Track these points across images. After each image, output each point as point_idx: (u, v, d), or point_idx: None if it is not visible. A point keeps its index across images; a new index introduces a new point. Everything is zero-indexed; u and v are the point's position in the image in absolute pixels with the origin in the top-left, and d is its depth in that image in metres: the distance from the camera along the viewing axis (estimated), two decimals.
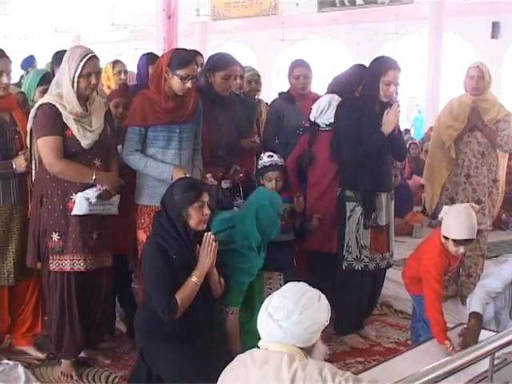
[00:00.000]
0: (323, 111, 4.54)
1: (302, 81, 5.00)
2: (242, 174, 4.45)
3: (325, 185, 4.60)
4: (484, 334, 3.54)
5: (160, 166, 3.92)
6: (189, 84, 3.86)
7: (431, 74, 16.40)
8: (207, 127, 4.23)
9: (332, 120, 4.51)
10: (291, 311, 2.31)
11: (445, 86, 16.29)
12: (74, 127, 3.72)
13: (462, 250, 3.80)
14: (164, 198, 3.55)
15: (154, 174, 3.93)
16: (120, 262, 4.16)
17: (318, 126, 4.62)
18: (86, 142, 3.74)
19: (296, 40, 21.96)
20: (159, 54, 5.77)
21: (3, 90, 3.94)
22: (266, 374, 2.26)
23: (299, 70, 5.01)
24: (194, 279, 3.41)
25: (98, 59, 3.82)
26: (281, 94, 5.19)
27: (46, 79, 4.34)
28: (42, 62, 6.74)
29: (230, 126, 4.44)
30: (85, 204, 3.74)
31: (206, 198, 3.49)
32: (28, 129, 3.85)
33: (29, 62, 6.89)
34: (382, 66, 4.34)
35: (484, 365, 2.84)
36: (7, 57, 3.98)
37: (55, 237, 3.78)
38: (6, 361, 4.07)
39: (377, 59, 4.51)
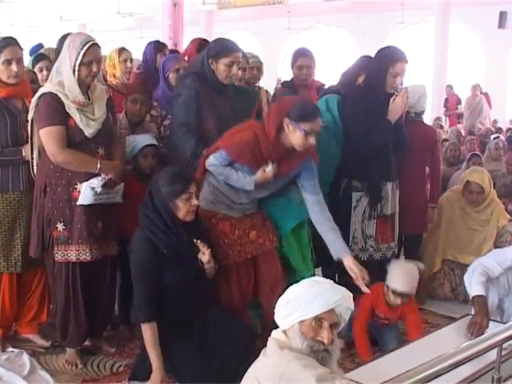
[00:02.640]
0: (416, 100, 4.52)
1: (304, 71, 4.98)
2: None
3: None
4: (491, 325, 3.52)
5: (241, 177, 3.76)
6: (311, 140, 3.64)
7: (438, 64, 16.31)
8: (210, 117, 4.17)
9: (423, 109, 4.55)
10: (294, 291, 2.40)
11: (451, 75, 16.21)
12: (76, 116, 3.68)
13: (398, 301, 3.97)
14: (151, 189, 3.52)
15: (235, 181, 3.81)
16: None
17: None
18: (89, 130, 3.71)
19: (302, 29, 21.88)
20: (165, 41, 5.79)
21: (15, 78, 3.90)
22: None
23: (302, 61, 4.99)
24: None
25: (99, 47, 3.77)
26: (284, 83, 5.17)
27: (39, 58, 4.44)
28: None
29: (231, 114, 4.36)
30: (90, 193, 3.72)
31: (193, 188, 3.48)
32: (29, 118, 3.81)
33: (37, 50, 6.88)
34: (390, 58, 4.31)
35: (491, 356, 2.82)
36: (18, 44, 3.94)
37: (60, 227, 3.76)
38: (10, 349, 4.08)
39: (384, 49, 4.47)
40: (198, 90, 4.16)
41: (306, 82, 4.97)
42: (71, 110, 3.68)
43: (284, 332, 2.44)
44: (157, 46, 5.10)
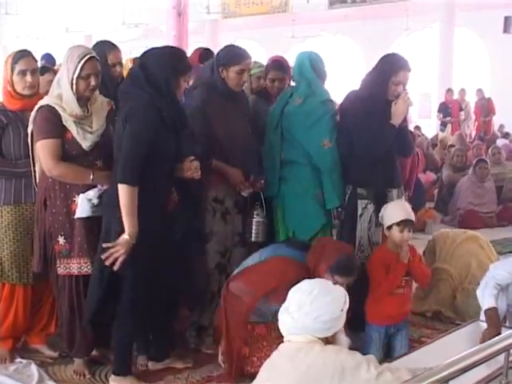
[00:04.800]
0: None
1: (277, 84, 4.78)
2: (263, 181, 4.33)
3: None
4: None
5: None
6: None
7: (443, 69, 16.34)
8: (221, 125, 4.15)
9: None
10: (302, 303, 2.48)
11: (457, 81, 16.22)
12: (73, 129, 3.67)
13: (406, 234, 4.02)
14: (146, 66, 3.64)
15: None
16: None
17: None
18: (86, 143, 3.69)
19: (307, 37, 21.91)
20: None
21: (29, 89, 3.93)
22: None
23: (274, 74, 4.79)
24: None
25: (97, 60, 3.77)
26: (257, 93, 5.05)
27: (44, 71, 4.42)
28: (56, 62, 6.76)
29: (245, 123, 4.35)
30: (87, 206, 3.70)
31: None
32: (29, 131, 3.81)
33: (47, 59, 6.95)
34: (392, 66, 4.30)
35: (499, 361, 2.81)
36: (32, 56, 3.99)
37: (61, 240, 3.76)
38: (19, 359, 4.08)
39: (387, 57, 4.46)
40: (207, 100, 4.15)
41: (278, 94, 4.73)
42: (68, 122, 3.67)
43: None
44: None
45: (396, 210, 4.09)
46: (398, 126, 4.28)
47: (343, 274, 3.70)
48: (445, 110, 14.55)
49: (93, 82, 3.70)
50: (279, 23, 20.62)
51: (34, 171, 3.87)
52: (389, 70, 4.28)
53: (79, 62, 3.64)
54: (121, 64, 4.65)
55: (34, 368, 3.96)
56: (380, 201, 4.31)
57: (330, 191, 4.35)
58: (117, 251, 3.47)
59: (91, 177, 3.69)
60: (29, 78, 3.90)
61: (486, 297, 3.84)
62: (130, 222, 3.48)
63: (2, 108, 3.98)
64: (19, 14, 23.48)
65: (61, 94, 3.70)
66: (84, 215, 3.71)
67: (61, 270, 3.78)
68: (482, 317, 4.04)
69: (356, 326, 4.57)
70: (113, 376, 3.83)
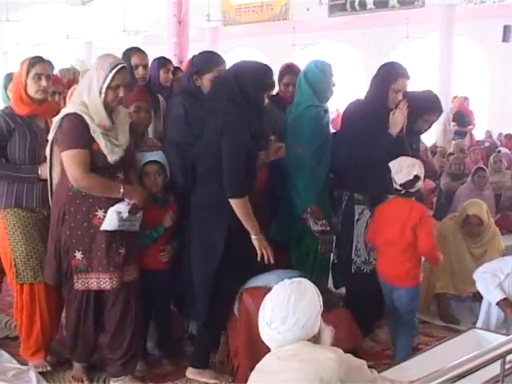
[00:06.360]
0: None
1: (290, 89, 4.81)
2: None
3: None
4: (495, 337, 3.52)
5: None
6: None
7: (442, 78, 16.37)
8: (199, 130, 3.97)
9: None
10: (284, 317, 2.38)
11: (456, 89, 16.24)
12: (101, 141, 3.56)
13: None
14: (238, 79, 3.74)
15: None
16: (152, 278, 3.99)
17: None
18: (112, 157, 3.60)
19: (307, 45, 21.99)
20: (170, 59, 5.86)
21: (42, 93, 3.91)
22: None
23: (288, 78, 4.84)
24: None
25: (127, 70, 3.72)
26: (271, 97, 5.10)
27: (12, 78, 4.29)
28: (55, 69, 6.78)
29: None
30: (116, 219, 3.59)
31: None
32: (50, 138, 3.72)
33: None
34: (391, 74, 4.37)
35: (495, 368, 2.82)
36: (46, 62, 4.00)
37: (78, 255, 3.64)
38: (18, 365, 4.09)
39: (386, 65, 4.53)
40: (188, 108, 4.08)
41: (292, 98, 4.78)
42: (96, 133, 3.56)
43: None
44: (160, 62, 5.16)
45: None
46: (395, 135, 4.32)
47: None
48: (462, 118, 13.98)
49: (121, 94, 3.61)
50: (279, 31, 20.67)
51: (51, 178, 3.81)
52: (388, 78, 4.34)
53: (110, 72, 3.55)
54: (144, 66, 4.66)
55: (32, 374, 3.95)
56: (376, 206, 4.33)
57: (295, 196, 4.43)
58: (263, 251, 3.77)
59: (121, 190, 3.61)
60: (43, 82, 3.88)
61: (491, 289, 3.87)
62: (251, 226, 3.75)
63: (10, 112, 3.95)
64: (20, 21, 23.50)
65: (85, 102, 3.59)
66: (111, 228, 3.60)
67: (78, 286, 3.68)
68: (479, 324, 4.07)
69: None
70: (191, 368, 3.97)
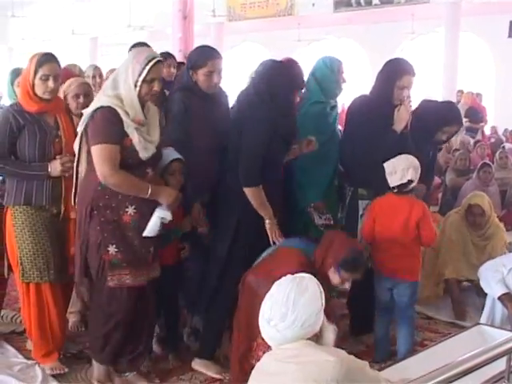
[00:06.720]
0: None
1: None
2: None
3: None
4: (500, 334, 3.52)
5: None
6: (347, 285, 3.76)
7: (448, 74, 16.33)
8: (199, 127, 3.99)
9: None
10: (283, 314, 2.31)
11: (461, 85, 16.20)
12: (135, 137, 3.47)
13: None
14: (269, 82, 3.84)
15: None
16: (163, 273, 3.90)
17: None
18: (145, 154, 3.51)
19: (312, 40, 21.95)
20: (175, 54, 5.85)
21: (50, 94, 3.85)
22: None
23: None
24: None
25: (163, 64, 3.65)
26: None
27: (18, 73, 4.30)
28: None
29: (225, 121, 4.09)
30: (157, 225, 3.54)
31: None
32: (79, 130, 3.61)
33: None
34: (397, 71, 4.36)
35: (500, 365, 2.82)
36: (57, 61, 3.90)
37: (112, 249, 3.54)
38: (24, 360, 4.11)
39: (391, 62, 4.53)
40: (187, 104, 4.03)
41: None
42: (129, 129, 3.47)
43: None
44: (164, 57, 5.18)
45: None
46: (399, 131, 4.32)
47: (350, 270, 3.65)
48: (475, 114, 13.69)
49: (156, 87, 3.54)
50: (285, 26, 20.64)
51: (77, 172, 3.71)
52: (393, 75, 4.33)
53: (147, 65, 3.48)
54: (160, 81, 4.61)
55: (37, 369, 3.97)
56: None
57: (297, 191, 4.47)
58: (274, 233, 3.91)
59: (149, 191, 3.51)
60: (51, 83, 3.81)
61: (492, 284, 3.88)
62: (265, 212, 3.90)
63: (20, 109, 3.89)
64: (25, 17, 23.49)
65: (119, 95, 3.51)
66: (152, 235, 3.55)
67: (112, 283, 3.57)
68: (483, 320, 4.07)
69: (361, 330, 4.61)
70: (197, 359, 4.01)
